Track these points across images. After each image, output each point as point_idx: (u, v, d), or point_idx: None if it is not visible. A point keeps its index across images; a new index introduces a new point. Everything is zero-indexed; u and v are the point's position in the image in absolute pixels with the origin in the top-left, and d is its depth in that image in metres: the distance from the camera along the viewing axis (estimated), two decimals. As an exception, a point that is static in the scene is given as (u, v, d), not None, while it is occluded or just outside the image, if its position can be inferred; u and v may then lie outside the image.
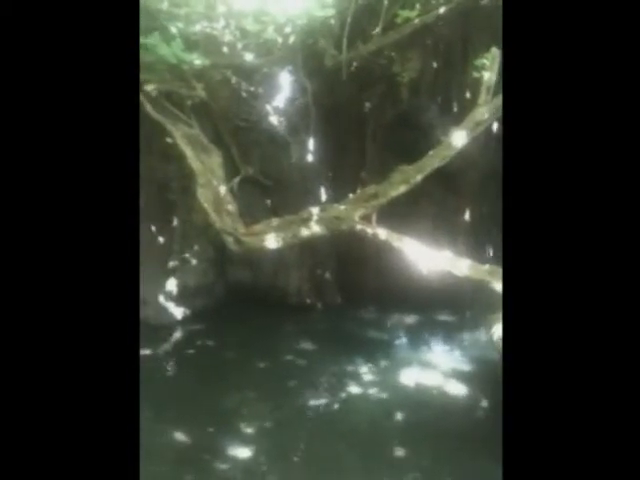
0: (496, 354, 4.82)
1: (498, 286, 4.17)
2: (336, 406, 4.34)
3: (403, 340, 5.78)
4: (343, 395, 4.49)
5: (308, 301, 6.28)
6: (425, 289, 5.33)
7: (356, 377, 4.79)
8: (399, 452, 3.69)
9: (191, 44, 4.36)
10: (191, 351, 5.27)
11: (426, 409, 4.28)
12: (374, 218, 4.88)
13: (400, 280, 5.49)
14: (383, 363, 5.14)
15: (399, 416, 4.21)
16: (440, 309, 6.03)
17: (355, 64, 5.50)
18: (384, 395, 4.50)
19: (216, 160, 4.84)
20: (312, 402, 4.36)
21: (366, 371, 4.94)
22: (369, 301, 6.25)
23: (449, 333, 5.71)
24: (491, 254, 6.30)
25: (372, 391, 4.57)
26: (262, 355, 5.13)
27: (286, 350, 5.32)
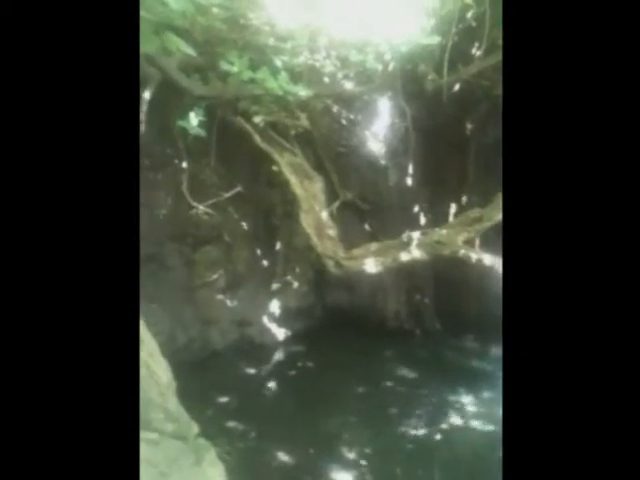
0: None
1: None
2: (438, 436, 4.20)
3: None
4: (445, 426, 4.34)
5: (406, 326, 6.19)
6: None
7: (458, 407, 4.63)
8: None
9: (295, 76, 4.56)
10: (292, 372, 5.37)
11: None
12: (478, 243, 4.75)
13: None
14: (486, 395, 4.91)
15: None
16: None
17: (456, 87, 5.44)
18: (489, 428, 4.29)
19: (318, 186, 4.99)
20: (413, 431, 4.26)
21: (469, 402, 4.75)
22: (469, 329, 6.04)
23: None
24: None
25: (475, 423, 4.39)
26: (362, 380, 5.11)
27: (386, 376, 5.25)
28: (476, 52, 5.11)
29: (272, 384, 5.16)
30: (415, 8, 3.78)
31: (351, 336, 5.85)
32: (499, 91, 5.44)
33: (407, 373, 5.41)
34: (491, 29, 4.95)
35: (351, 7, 3.71)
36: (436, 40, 3.93)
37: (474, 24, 5.02)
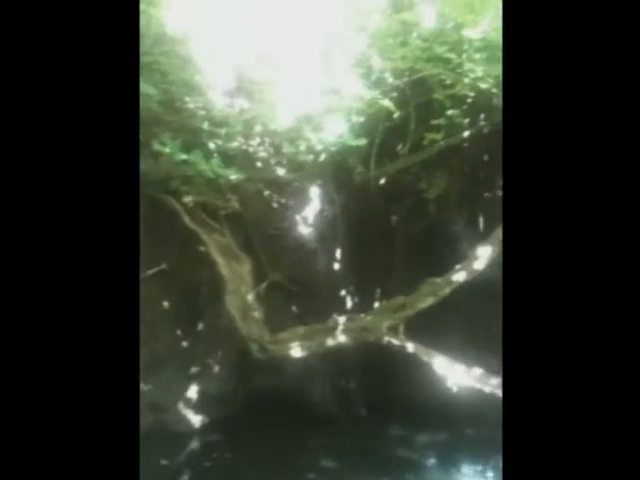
0: None
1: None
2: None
3: (432, 460, 5.46)
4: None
5: (332, 413, 6.05)
6: (454, 405, 5.11)
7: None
8: None
9: (228, 159, 4.64)
10: (207, 464, 5.07)
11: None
12: (402, 329, 4.83)
13: (428, 395, 5.29)
14: (412, 485, 4.84)
15: None
16: (470, 427, 5.72)
17: (383, 180, 5.75)
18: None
19: (246, 267, 4.96)
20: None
21: (393, 494, 4.63)
22: (395, 415, 6.00)
23: (480, 453, 5.37)
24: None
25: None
26: (282, 473, 4.88)
27: (307, 467, 5.05)
28: (401, 149, 5.46)
29: (185, 477, 4.82)
30: (344, 107, 4.02)
31: (273, 423, 5.63)
32: (424, 186, 5.81)
33: (330, 464, 5.25)
34: (416, 129, 5.35)
35: (286, 102, 3.89)
36: (363, 142, 4.17)
37: (400, 123, 5.39)
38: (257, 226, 5.79)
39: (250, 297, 4.92)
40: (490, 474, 5.11)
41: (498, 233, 4.61)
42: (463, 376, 4.31)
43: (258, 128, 4.85)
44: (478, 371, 4.30)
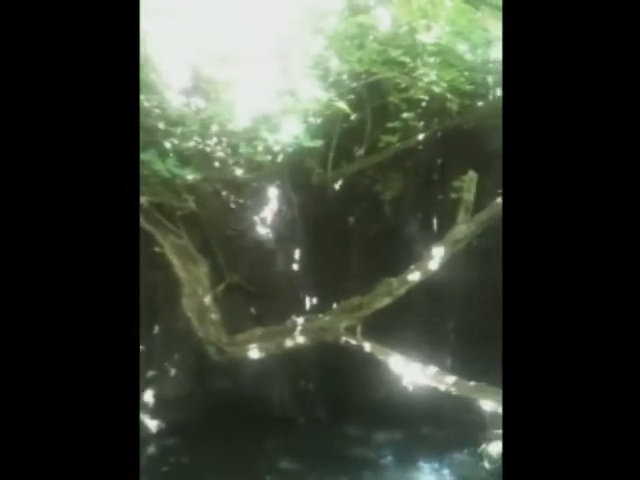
0: (484, 473, 4.63)
1: (484, 404, 4.11)
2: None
3: (389, 459, 5.52)
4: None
5: (290, 414, 6.05)
6: (410, 404, 5.19)
7: (340, 500, 4.52)
8: None
9: (184, 159, 4.58)
10: (164, 469, 4.97)
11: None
12: (359, 329, 4.88)
13: (385, 394, 5.36)
14: (370, 484, 4.88)
15: None
16: (426, 426, 5.82)
17: (340, 182, 5.80)
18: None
19: (202, 269, 4.91)
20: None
21: (351, 493, 4.66)
22: (353, 415, 6.03)
23: (436, 451, 5.47)
24: (477, 369, 6.23)
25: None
26: (240, 475, 4.84)
27: (266, 470, 5.03)
28: (358, 151, 5.53)
29: (141, 484, 4.70)
30: (301, 109, 4.04)
31: (232, 426, 5.57)
32: (379, 188, 5.90)
33: (289, 466, 5.23)
34: (372, 132, 5.42)
35: (243, 102, 3.89)
36: (319, 143, 4.21)
37: (357, 125, 5.46)
38: (214, 227, 5.73)
39: (207, 299, 4.87)
40: (446, 471, 5.22)
41: (451, 234, 4.74)
42: (419, 375, 4.39)
43: (215, 128, 4.81)
44: (433, 369, 4.39)
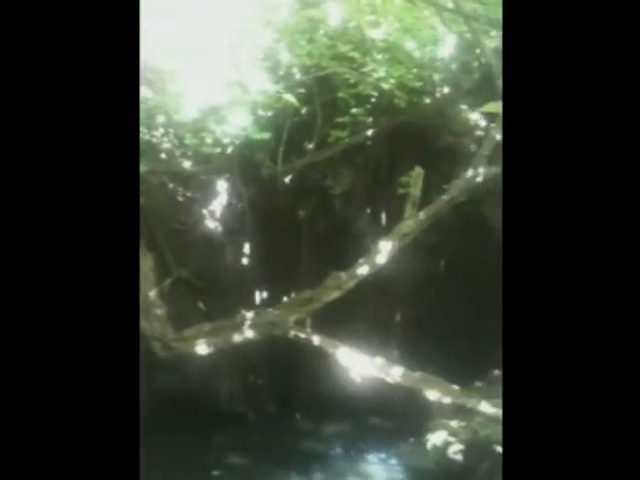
0: (431, 463, 4.76)
1: (430, 394, 4.21)
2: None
3: (338, 450, 5.60)
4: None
5: (239, 409, 6.02)
6: (358, 396, 5.27)
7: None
8: None
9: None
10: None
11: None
12: (308, 323, 4.90)
13: (333, 387, 5.42)
14: (319, 477, 4.92)
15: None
16: (374, 417, 5.93)
17: (290, 176, 5.79)
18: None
19: (147, 263, 4.78)
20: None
21: (300, 485, 4.70)
22: (303, 409, 6.07)
23: (384, 442, 5.59)
24: (424, 360, 6.39)
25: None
26: (189, 472, 4.78)
27: (215, 465, 4.99)
28: (308, 146, 5.54)
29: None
30: (250, 101, 4.00)
31: (180, 423, 5.48)
32: (329, 183, 5.94)
33: (238, 460, 5.22)
34: (322, 126, 5.44)
35: (190, 93, 3.80)
36: (267, 136, 4.18)
37: (307, 119, 5.46)
38: (161, 220, 5.61)
39: (152, 294, 4.76)
40: (393, 461, 5.33)
41: (399, 228, 4.82)
42: (366, 366, 4.44)
43: (161, 119, 4.70)
44: (380, 361, 4.46)
